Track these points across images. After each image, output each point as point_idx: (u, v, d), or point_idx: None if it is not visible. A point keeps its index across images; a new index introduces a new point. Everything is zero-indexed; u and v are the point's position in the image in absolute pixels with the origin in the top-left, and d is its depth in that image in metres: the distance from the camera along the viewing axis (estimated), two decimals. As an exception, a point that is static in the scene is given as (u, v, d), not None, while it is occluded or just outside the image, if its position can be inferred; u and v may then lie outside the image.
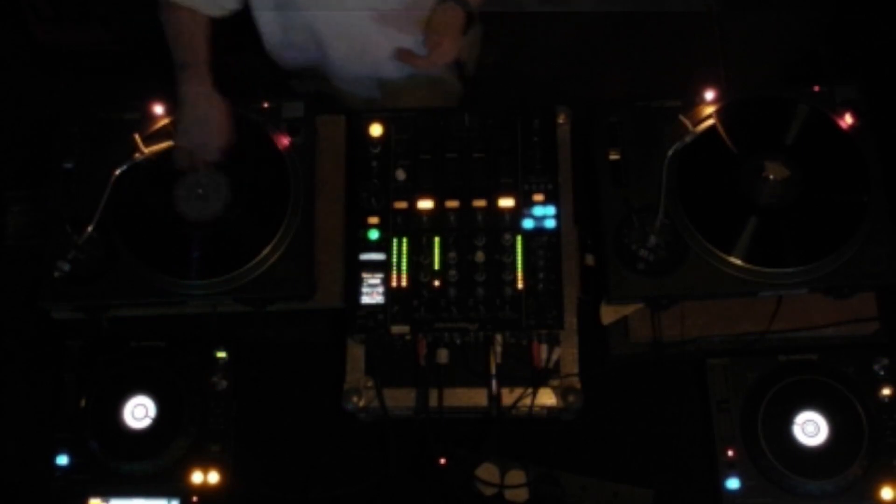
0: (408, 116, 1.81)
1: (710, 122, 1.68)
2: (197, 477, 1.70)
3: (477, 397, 1.69)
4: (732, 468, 1.66)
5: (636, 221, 1.71)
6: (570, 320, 1.71)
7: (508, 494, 1.66)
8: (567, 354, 1.70)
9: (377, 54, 1.92)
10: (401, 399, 1.70)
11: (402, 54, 1.79)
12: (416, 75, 1.98)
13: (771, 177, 1.69)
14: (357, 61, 1.95)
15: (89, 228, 1.69)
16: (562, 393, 1.67)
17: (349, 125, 1.90)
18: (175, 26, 1.77)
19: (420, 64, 1.78)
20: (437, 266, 1.70)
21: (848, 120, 1.76)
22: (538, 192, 1.73)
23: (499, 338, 1.68)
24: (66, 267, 1.68)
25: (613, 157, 1.79)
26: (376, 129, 1.79)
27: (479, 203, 1.73)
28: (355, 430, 1.76)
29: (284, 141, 1.81)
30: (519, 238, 1.70)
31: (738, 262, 1.69)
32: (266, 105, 1.83)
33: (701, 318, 1.76)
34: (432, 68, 1.80)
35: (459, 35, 1.78)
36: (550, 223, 1.71)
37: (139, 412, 1.72)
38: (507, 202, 1.73)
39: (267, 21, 1.91)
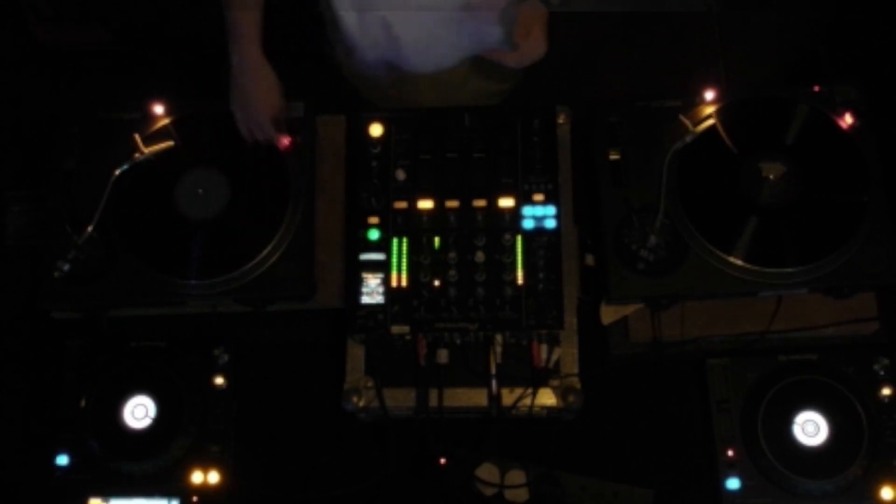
0: (408, 116, 1.81)
1: (710, 122, 1.69)
2: (197, 477, 1.70)
3: (477, 397, 1.69)
4: (732, 468, 1.66)
5: (636, 221, 1.71)
6: (570, 320, 1.71)
7: (508, 494, 1.66)
8: (567, 354, 1.70)
9: (448, 44, 1.90)
10: (401, 399, 1.70)
11: (494, 53, 1.77)
12: (477, 66, 1.98)
13: (770, 176, 1.70)
14: (427, 53, 1.92)
15: (89, 228, 1.69)
16: (562, 393, 1.67)
17: (349, 125, 1.90)
18: None
19: (510, 60, 1.77)
20: (437, 266, 1.70)
21: (848, 120, 1.76)
22: (538, 192, 1.73)
23: (499, 338, 1.68)
24: (66, 267, 1.68)
25: (613, 157, 1.79)
26: (376, 129, 1.79)
27: (479, 203, 1.73)
28: (355, 430, 1.76)
29: (284, 141, 1.81)
30: (519, 238, 1.70)
31: (739, 262, 1.69)
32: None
33: (701, 318, 1.76)
34: (521, 63, 1.79)
35: (546, 30, 1.77)
36: (550, 223, 1.71)
37: (139, 412, 1.72)
38: (507, 202, 1.73)
39: (348, 21, 1.89)
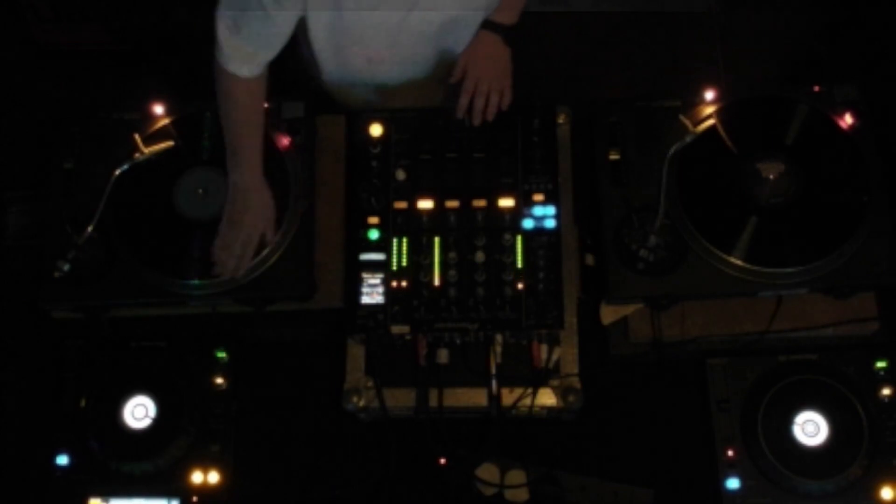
0: (408, 116, 1.81)
1: (710, 122, 1.68)
2: (197, 477, 1.70)
3: (477, 397, 1.69)
4: (732, 468, 1.66)
5: (636, 221, 1.71)
6: (570, 320, 1.71)
7: (508, 494, 1.66)
8: (567, 354, 1.70)
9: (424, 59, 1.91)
10: (401, 399, 1.70)
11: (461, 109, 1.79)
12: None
13: (770, 176, 1.70)
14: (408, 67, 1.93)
15: (89, 228, 1.69)
16: (562, 393, 1.67)
17: (349, 125, 1.90)
18: (230, 97, 1.70)
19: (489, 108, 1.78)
20: (437, 266, 1.70)
21: (848, 120, 1.76)
22: (538, 192, 1.73)
23: (499, 338, 1.68)
24: (66, 267, 1.68)
25: (613, 157, 1.79)
26: (376, 129, 1.79)
27: (479, 203, 1.73)
28: (355, 430, 1.76)
29: (284, 141, 1.81)
30: (519, 238, 1.70)
31: (739, 262, 1.69)
32: (266, 105, 1.83)
33: (701, 318, 1.76)
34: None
35: (507, 64, 1.81)
36: (550, 223, 1.71)
37: (139, 412, 1.72)
38: (507, 202, 1.73)
39: (322, 49, 1.87)
